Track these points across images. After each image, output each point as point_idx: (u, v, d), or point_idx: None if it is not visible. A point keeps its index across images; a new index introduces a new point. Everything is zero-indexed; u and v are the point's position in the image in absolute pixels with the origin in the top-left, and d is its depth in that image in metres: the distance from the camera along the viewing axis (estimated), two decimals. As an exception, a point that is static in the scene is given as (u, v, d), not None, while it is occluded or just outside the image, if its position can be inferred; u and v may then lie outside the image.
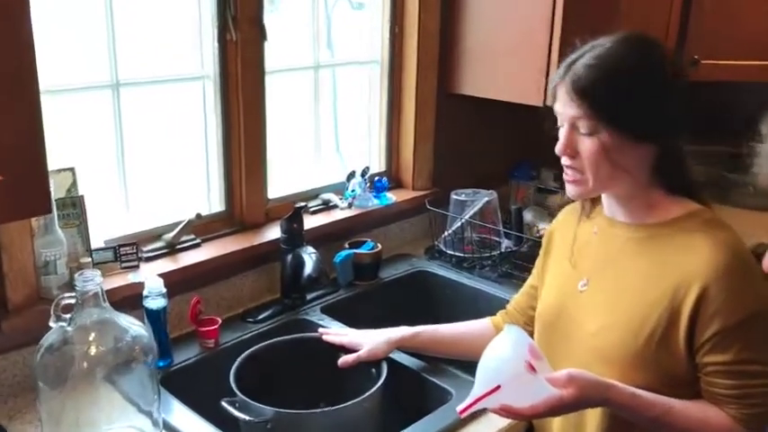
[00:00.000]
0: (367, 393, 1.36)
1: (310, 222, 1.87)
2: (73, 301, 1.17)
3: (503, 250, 2.04)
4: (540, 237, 2.09)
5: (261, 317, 1.73)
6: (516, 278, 1.94)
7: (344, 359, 1.49)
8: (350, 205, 1.99)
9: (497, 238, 2.07)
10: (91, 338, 1.17)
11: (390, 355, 1.51)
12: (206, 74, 1.74)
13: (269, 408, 1.36)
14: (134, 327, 1.23)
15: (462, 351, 1.53)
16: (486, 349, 1.17)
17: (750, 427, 1.15)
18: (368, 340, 1.50)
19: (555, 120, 1.20)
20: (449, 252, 2.07)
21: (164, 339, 1.52)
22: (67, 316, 1.18)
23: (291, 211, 1.75)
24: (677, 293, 1.14)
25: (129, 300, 1.51)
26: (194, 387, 1.52)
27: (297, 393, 1.48)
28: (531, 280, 1.51)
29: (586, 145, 1.14)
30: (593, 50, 1.16)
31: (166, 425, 1.33)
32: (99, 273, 1.18)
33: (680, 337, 1.15)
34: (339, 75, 2.10)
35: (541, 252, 1.47)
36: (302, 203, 1.77)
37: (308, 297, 1.81)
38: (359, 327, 1.69)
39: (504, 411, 1.12)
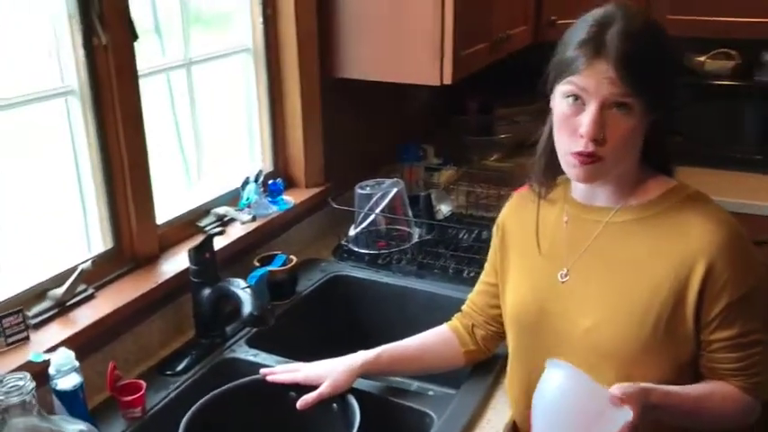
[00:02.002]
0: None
1: (211, 244, 1.62)
2: (-6, 419, 0.88)
3: (415, 240, 1.93)
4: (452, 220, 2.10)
5: (182, 366, 1.48)
6: (436, 268, 1.85)
7: (304, 400, 1.30)
8: (254, 217, 1.76)
9: (408, 229, 1.95)
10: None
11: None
12: (69, 88, 1.42)
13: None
14: (76, 427, 0.96)
15: (428, 366, 1.42)
16: (545, 400, 1.06)
17: (757, 395, 1.15)
18: (326, 373, 1.32)
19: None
20: (359, 250, 1.92)
21: (86, 419, 1.23)
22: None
23: (194, 233, 1.50)
24: (680, 274, 1.10)
25: (28, 384, 1.20)
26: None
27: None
28: (485, 277, 1.41)
29: (620, 125, 1.07)
30: (615, 24, 1.06)
31: None
32: (28, 375, 0.89)
33: (688, 318, 1.11)
34: (202, 71, 1.82)
35: (494, 247, 1.37)
36: (216, 229, 1.53)
37: (229, 331, 1.58)
38: (297, 354, 1.52)
39: None
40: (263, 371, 1.38)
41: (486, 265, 1.41)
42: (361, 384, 1.39)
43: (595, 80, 1.05)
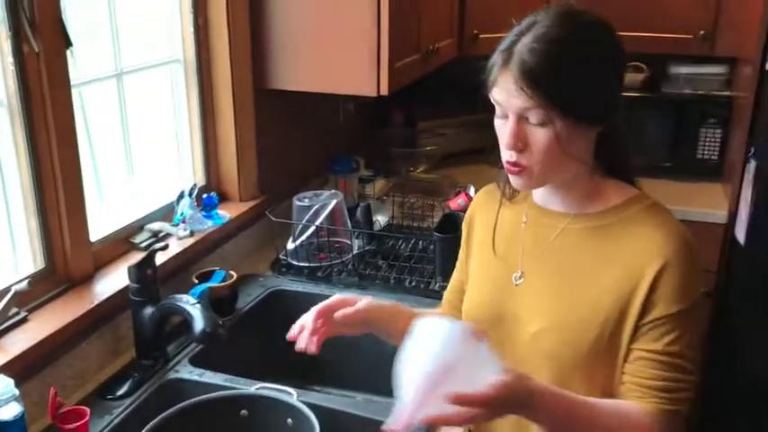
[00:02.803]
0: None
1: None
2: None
3: (355, 251, 1.92)
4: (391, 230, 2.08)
5: (124, 390, 1.40)
6: (378, 278, 1.85)
7: (344, 312, 1.21)
8: (191, 233, 1.70)
9: (348, 241, 1.94)
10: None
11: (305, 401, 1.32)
12: (-5, 99, 1.33)
13: None
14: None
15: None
16: (408, 346, 0.97)
17: (668, 425, 1.07)
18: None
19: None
20: (299, 264, 1.89)
21: (25, 455, 1.15)
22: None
23: (144, 254, 1.44)
24: (626, 286, 1.07)
25: (-38, 417, 1.11)
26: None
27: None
28: (456, 273, 1.37)
29: (538, 137, 1.04)
30: (532, 31, 1.03)
31: None
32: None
33: (628, 329, 1.07)
34: (132, 81, 1.75)
35: (463, 240, 1.33)
36: (158, 244, 1.46)
37: (169, 351, 1.52)
38: (243, 371, 1.48)
39: (459, 401, 0.90)
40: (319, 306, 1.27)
41: (458, 262, 1.37)
42: (315, 398, 1.37)
43: (506, 92, 1.03)
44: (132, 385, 1.42)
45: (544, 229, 1.17)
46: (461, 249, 1.35)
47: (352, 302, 1.21)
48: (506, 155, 1.08)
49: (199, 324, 1.28)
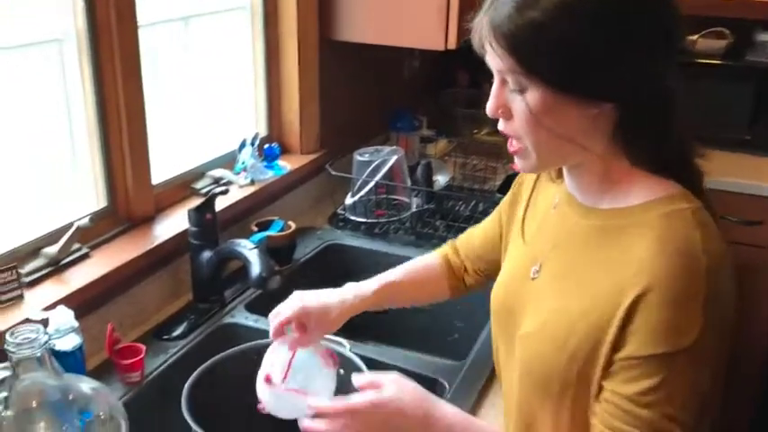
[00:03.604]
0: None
1: (208, 207, 1.55)
2: (7, 373, 0.82)
3: (413, 210, 1.89)
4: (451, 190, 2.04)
5: (179, 331, 1.41)
6: (434, 238, 1.81)
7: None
8: (252, 181, 1.70)
9: (406, 198, 1.90)
10: (41, 424, 0.83)
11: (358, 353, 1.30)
12: (63, 34, 1.33)
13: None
14: (96, 390, 0.90)
15: (413, 303, 1.34)
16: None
17: None
18: (318, 313, 1.17)
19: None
20: (356, 219, 1.87)
21: (82, 385, 1.17)
22: (0, 396, 0.82)
23: (192, 195, 1.44)
24: (608, 307, 0.85)
25: (25, 344, 1.13)
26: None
27: (263, 417, 1.22)
28: (491, 224, 1.23)
29: (515, 106, 0.86)
30: None
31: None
32: (42, 328, 0.83)
33: (600, 361, 0.85)
34: (198, 25, 1.74)
35: (507, 200, 1.16)
36: (219, 188, 1.46)
37: (226, 296, 1.52)
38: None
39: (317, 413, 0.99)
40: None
41: (496, 215, 1.23)
42: (367, 351, 1.35)
43: (487, 50, 0.87)
44: (188, 327, 1.43)
45: (564, 219, 0.98)
46: (506, 207, 1.17)
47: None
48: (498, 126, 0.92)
49: (255, 269, 1.28)
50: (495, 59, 0.85)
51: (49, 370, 0.84)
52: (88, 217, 1.31)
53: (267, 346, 1.32)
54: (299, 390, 1.09)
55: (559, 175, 1.00)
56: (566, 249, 0.95)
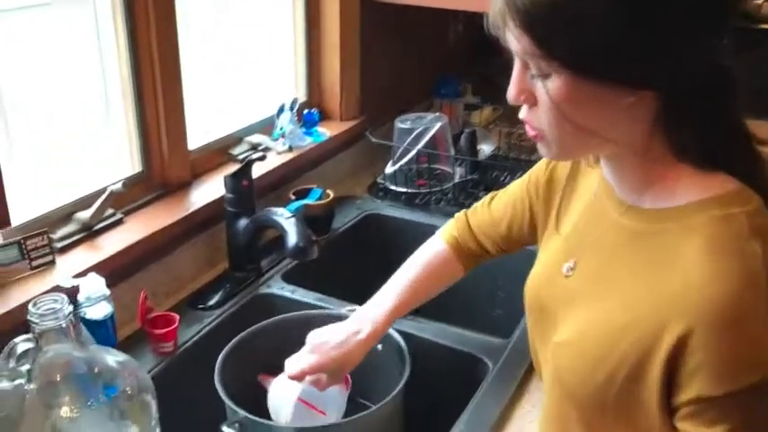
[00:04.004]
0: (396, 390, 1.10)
1: (245, 173, 1.50)
2: (30, 345, 0.78)
3: (456, 180, 1.82)
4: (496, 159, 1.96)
5: (215, 301, 1.38)
6: (479, 210, 1.74)
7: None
8: (290, 148, 1.64)
9: (449, 168, 1.83)
10: (66, 398, 0.80)
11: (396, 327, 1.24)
12: (98, -9, 1.29)
13: (287, 426, 1.07)
14: (115, 357, 0.86)
15: (438, 290, 1.21)
16: None
17: None
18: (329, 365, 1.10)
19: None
20: (396, 189, 1.81)
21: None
22: (23, 368, 0.79)
23: (229, 161, 1.39)
24: (649, 332, 0.74)
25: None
26: (162, 409, 1.17)
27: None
28: (518, 200, 1.08)
29: (538, 93, 0.75)
30: None
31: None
32: (65, 297, 0.79)
33: (650, 387, 0.74)
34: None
35: (543, 179, 1.01)
36: (256, 155, 1.41)
37: (263, 266, 1.48)
38: (333, 292, 1.42)
39: None
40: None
41: (520, 187, 1.08)
42: (406, 326, 1.30)
43: (508, 28, 0.75)
44: (223, 296, 1.39)
45: (603, 213, 0.86)
46: (529, 179, 1.04)
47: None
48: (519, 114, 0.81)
49: (292, 238, 1.23)
50: (512, 40, 0.74)
51: (73, 342, 0.80)
52: (122, 182, 1.27)
53: (303, 319, 1.29)
54: (308, 402, 1.11)
55: (598, 159, 0.86)
56: (602, 249, 0.84)
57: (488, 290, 1.67)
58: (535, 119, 0.76)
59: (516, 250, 1.17)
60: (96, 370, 0.82)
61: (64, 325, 0.79)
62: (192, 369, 1.23)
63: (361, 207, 1.78)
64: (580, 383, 0.81)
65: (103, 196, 1.26)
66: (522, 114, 0.79)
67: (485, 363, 1.24)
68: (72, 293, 1.11)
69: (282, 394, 1.13)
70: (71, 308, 0.79)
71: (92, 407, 0.79)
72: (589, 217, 0.89)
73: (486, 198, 1.18)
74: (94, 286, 1.10)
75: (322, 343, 1.09)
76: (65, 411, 0.78)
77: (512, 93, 0.77)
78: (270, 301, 1.41)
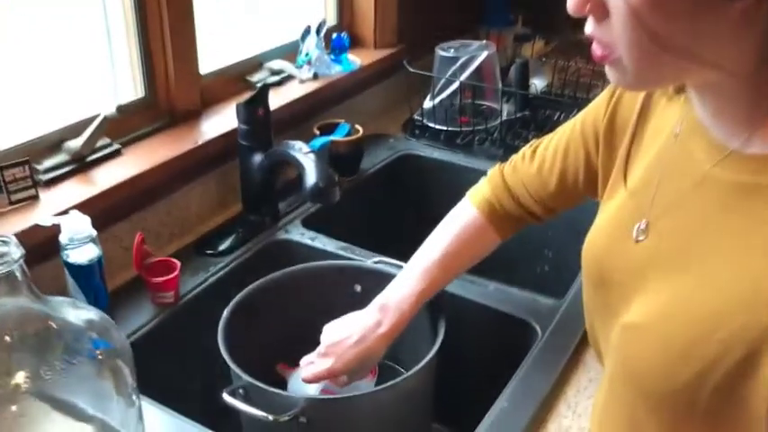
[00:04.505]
0: (426, 359, 0.92)
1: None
2: (-31, 296, 0.62)
3: (504, 118, 1.62)
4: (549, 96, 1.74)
5: (225, 246, 1.22)
6: (527, 153, 1.54)
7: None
8: (316, 76, 1.45)
9: (496, 104, 1.63)
10: (13, 364, 0.64)
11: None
12: None
13: (296, 395, 0.91)
14: (83, 314, 0.70)
15: (471, 264, 1.03)
16: None
17: None
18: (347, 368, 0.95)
19: None
20: (435, 126, 1.61)
21: (103, 305, 0.99)
22: (-38, 324, 0.63)
23: (244, 89, 1.21)
24: (762, 307, 0.56)
25: (35, 253, 0.95)
26: (158, 368, 1.03)
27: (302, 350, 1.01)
28: (555, 148, 0.91)
29: (612, 3, 0.57)
30: None
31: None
32: (13, 240, 0.63)
33: (761, 392, 0.56)
34: None
35: (605, 121, 0.80)
36: (273, 78, 1.22)
37: (281, 209, 1.31)
38: (359, 240, 1.25)
39: None
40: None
41: (566, 133, 0.89)
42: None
43: None
44: (235, 242, 1.23)
45: (688, 162, 0.67)
46: (601, 127, 0.82)
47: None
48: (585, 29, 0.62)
49: (311, 177, 1.04)
50: None
51: (27, 293, 0.64)
52: (116, 107, 1.09)
53: (322, 269, 1.12)
54: (333, 393, 0.97)
55: (680, 89, 0.67)
56: (687, 207, 0.66)
57: (535, 244, 1.49)
58: (606, 33, 0.58)
59: (568, 209, 0.97)
60: (55, 328, 0.66)
61: (15, 273, 0.63)
62: (195, 323, 1.08)
63: (395, 147, 1.59)
64: (660, 379, 0.63)
65: (96, 122, 1.09)
66: (589, 29, 0.60)
67: (532, 327, 1.06)
68: (53, 235, 0.95)
69: (304, 387, 0.98)
70: (21, 252, 0.62)
71: (46, 376, 0.63)
72: (667, 166, 0.70)
73: (526, 149, 0.98)
74: (77, 225, 0.94)
75: (337, 343, 0.94)
76: (10, 381, 0.62)
77: (575, 1, 0.58)
78: (287, 249, 1.25)
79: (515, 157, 0.99)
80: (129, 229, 1.14)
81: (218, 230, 1.27)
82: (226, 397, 0.89)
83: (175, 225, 1.24)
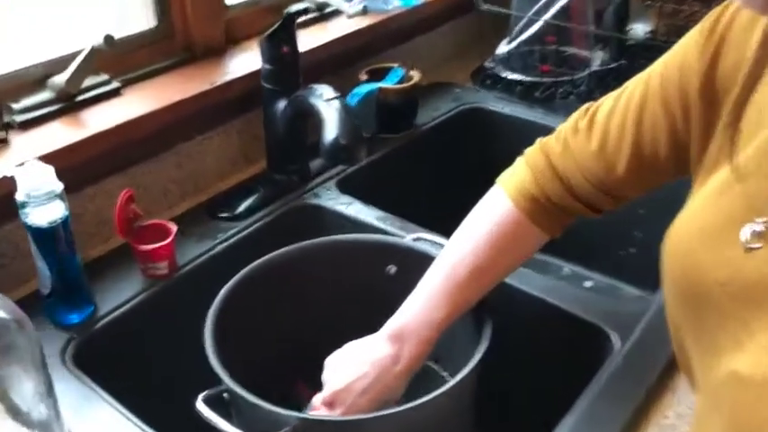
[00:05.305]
0: (455, 380, 0.70)
1: (300, 42, 1.10)
2: None
3: (594, 68, 1.35)
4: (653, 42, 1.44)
5: (242, 208, 1.02)
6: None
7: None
8: (365, 10, 1.22)
9: (586, 52, 1.36)
10: None
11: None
12: None
13: (288, 412, 0.70)
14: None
15: (511, 270, 0.79)
16: None
17: None
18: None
19: None
20: (511, 76, 1.36)
21: (72, 274, 0.82)
22: None
23: (277, 22, 0.99)
24: None
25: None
26: (136, 360, 0.85)
27: (326, 351, 0.81)
28: (626, 113, 0.67)
29: None
30: None
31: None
32: None
33: None
34: None
35: (698, 74, 0.59)
36: (304, 4, 1.00)
37: (312, 168, 1.10)
38: (404, 209, 1.03)
39: None
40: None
41: (640, 89, 0.66)
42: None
43: None
44: (254, 204, 1.03)
45: None
46: (691, 86, 0.60)
47: None
48: None
49: (330, 131, 0.82)
50: None
51: None
52: (105, 36, 0.90)
53: (358, 245, 0.91)
54: None
55: None
56: None
57: (620, 222, 1.22)
58: None
59: (646, 194, 0.72)
60: None
61: None
62: (191, 301, 0.88)
63: (460, 98, 1.35)
64: None
65: (82, 54, 0.91)
66: None
67: (607, 335, 0.82)
68: (7, 190, 0.78)
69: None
70: None
71: None
72: None
73: (579, 116, 0.72)
74: (37, 179, 0.76)
75: (345, 389, 0.73)
76: None
77: None
78: (314, 216, 1.04)
79: (564, 129, 0.74)
80: (126, 185, 0.96)
81: (237, 190, 1.08)
82: (200, 406, 0.70)
83: (186, 181, 1.05)
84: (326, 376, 0.76)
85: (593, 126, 0.70)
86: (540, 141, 0.75)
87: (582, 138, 0.71)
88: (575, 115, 0.73)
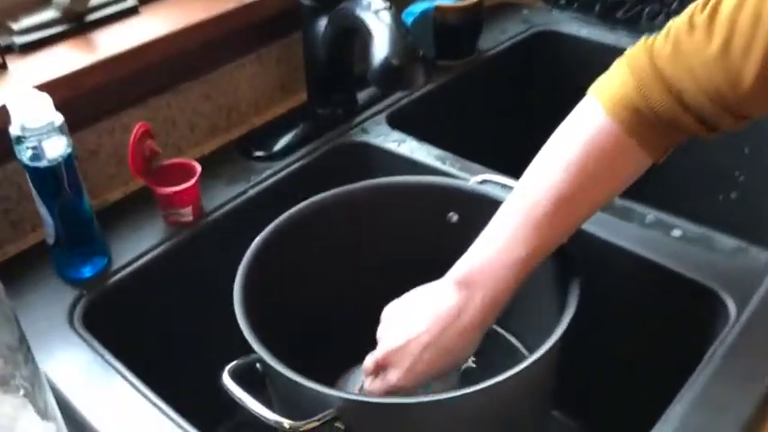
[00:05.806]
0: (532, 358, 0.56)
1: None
2: None
3: (687, -16, 1.15)
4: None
5: (279, 146, 0.89)
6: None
7: None
8: None
9: (678, -37, 1.17)
10: None
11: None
12: None
13: (332, 391, 0.57)
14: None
15: (611, 197, 0.63)
16: None
17: None
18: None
19: None
20: (588, -6, 1.19)
21: (79, 221, 0.70)
22: None
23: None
24: None
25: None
26: (153, 322, 0.74)
27: (374, 314, 0.68)
28: (746, 9, 0.52)
29: None
30: None
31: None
32: None
33: None
34: None
35: None
36: None
37: (360, 99, 0.96)
38: (463, 147, 0.89)
39: None
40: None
41: None
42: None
43: None
44: (294, 141, 0.90)
45: None
46: None
47: None
48: None
49: (380, 49, 0.67)
50: None
51: None
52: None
53: (412, 188, 0.77)
54: None
55: None
56: None
57: (719, 162, 1.05)
58: None
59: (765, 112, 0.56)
60: None
61: None
62: (218, 254, 0.76)
63: (530, 20, 1.18)
64: None
65: (90, -37, 0.77)
66: None
67: (721, 300, 0.67)
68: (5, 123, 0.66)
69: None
70: None
71: None
72: None
73: (696, 9, 0.56)
74: (32, 112, 0.64)
75: (402, 348, 0.60)
76: None
77: None
78: (361, 155, 0.90)
79: (676, 25, 0.57)
80: (146, 117, 0.84)
81: (273, 125, 0.94)
82: (226, 380, 0.58)
83: (215, 115, 0.92)
84: (381, 332, 0.63)
85: (714, 21, 0.53)
86: (644, 40, 0.59)
87: (699, 36, 0.54)
88: (690, 7, 0.56)
